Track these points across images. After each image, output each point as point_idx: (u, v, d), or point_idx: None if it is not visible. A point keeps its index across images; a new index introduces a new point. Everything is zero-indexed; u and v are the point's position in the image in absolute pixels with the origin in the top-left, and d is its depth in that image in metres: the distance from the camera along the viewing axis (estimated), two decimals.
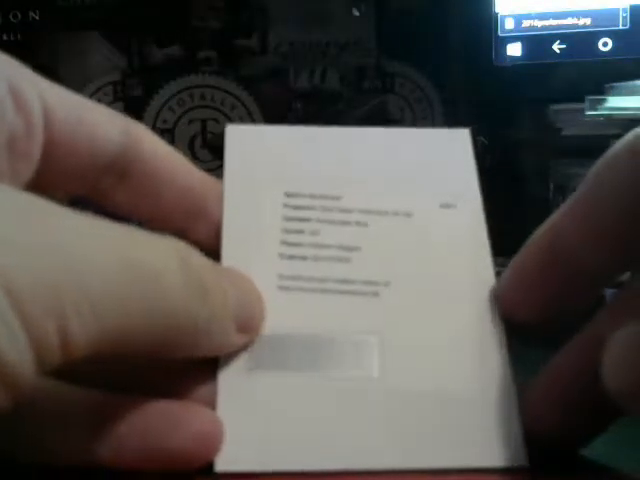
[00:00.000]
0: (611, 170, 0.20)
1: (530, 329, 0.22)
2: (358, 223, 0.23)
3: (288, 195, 0.24)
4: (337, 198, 0.24)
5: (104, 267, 0.16)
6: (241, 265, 0.22)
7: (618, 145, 0.19)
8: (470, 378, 0.21)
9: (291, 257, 0.23)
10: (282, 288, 0.22)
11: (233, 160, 0.25)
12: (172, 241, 0.18)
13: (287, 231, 0.23)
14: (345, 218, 0.23)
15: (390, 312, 0.22)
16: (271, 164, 0.24)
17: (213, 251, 0.23)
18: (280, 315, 0.22)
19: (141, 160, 0.22)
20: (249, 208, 0.23)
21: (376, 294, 0.22)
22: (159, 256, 0.17)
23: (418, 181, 0.24)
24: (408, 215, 0.24)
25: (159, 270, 0.17)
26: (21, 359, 0.15)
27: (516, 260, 0.22)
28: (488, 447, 0.20)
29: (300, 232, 0.23)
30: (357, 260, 0.23)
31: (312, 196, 0.24)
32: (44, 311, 0.15)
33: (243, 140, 0.25)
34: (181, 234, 0.23)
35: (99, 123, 0.22)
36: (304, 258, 0.23)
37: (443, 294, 0.23)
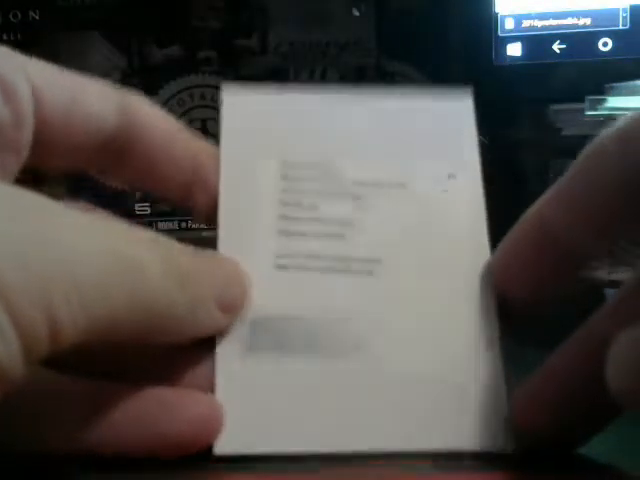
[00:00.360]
0: (599, 156, 0.20)
1: (522, 309, 0.22)
2: (355, 195, 0.23)
3: (285, 165, 0.23)
4: (335, 168, 0.23)
5: (91, 257, 0.16)
6: (239, 243, 0.22)
7: (606, 131, 0.20)
8: (460, 362, 0.22)
9: (288, 233, 0.23)
10: (279, 267, 0.22)
11: (229, 124, 0.24)
12: (153, 234, 0.19)
13: (285, 204, 0.23)
14: (343, 190, 0.23)
15: (385, 292, 0.22)
16: (268, 129, 0.24)
17: (214, 219, 0.23)
18: (277, 296, 0.22)
19: (138, 135, 0.22)
20: (246, 180, 0.23)
21: (371, 273, 0.22)
22: (141, 248, 0.18)
23: (417, 148, 0.24)
24: (406, 187, 0.23)
25: (141, 260, 0.18)
26: (8, 351, 0.15)
27: (509, 237, 0.22)
28: (474, 431, 0.21)
29: (297, 206, 0.23)
30: (354, 236, 0.23)
31: (309, 166, 0.23)
32: (32, 302, 0.15)
33: (240, 101, 0.24)
34: (182, 203, 0.24)
35: (93, 102, 0.21)
36: (301, 234, 0.23)
37: (438, 271, 0.23)
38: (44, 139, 0.21)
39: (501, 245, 0.22)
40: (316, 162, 0.23)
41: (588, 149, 0.20)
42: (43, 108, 0.20)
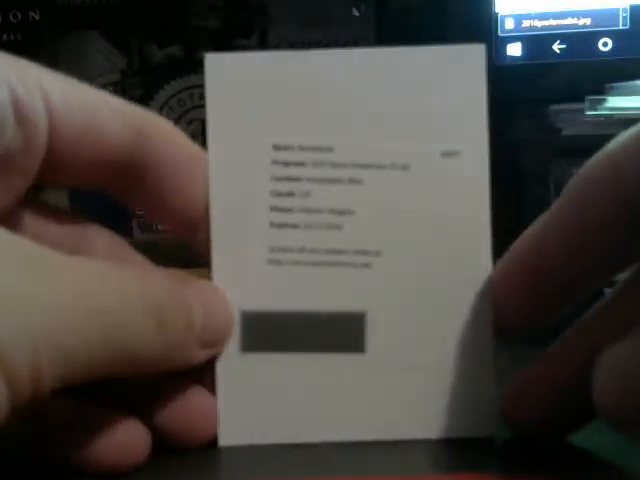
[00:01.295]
0: (590, 184, 0.20)
1: (519, 327, 0.22)
2: (351, 180, 0.22)
3: (276, 148, 0.22)
4: (329, 149, 0.22)
5: (71, 305, 0.16)
6: (232, 240, 0.22)
7: (597, 157, 0.19)
8: (454, 354, 0.22)
9: (281, 225, 0.22)
10: (273, 262, 0.22)
11: (215, 102, 0.23)
12: (134, 273, 0.19)
13: (277, 194, 0.22)
14: (338, 175, 0.22)
15: (381, 285, 0.22)
16: (257, 106, 0.22)
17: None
18: (272, 292, 0.22)
19: (151, 165, 0.22)
20: (236, 170, 0.22)
21: (367, 265, 0.22)
22: (120, 288, 0.18)
23: (419, 121, 0.22)
24: (406, 168, 0.22)
25: (120, 303, 0.18)
26: None
27: (505, 264, 0.22)
28: (466, 420, 0.21)
29: (290, 195, 0.22)
30: (349, 226, 0.22)
31: (302, 148, 0.22)
32: (19, 349, 0.15)
33: (225, 75, 0.22)
34: (186, 239, 0.23)
35: (109, 126, 0.21)
36: (295, 226, 0.22)
37: (436, 263, 0.22)
38: (53, 161, 0.20)
39: (497, 270, 0.22)
40: (308, 144, 0.22)
41: (580, 175, 0.20)
42: (56, 133, 0.20)
